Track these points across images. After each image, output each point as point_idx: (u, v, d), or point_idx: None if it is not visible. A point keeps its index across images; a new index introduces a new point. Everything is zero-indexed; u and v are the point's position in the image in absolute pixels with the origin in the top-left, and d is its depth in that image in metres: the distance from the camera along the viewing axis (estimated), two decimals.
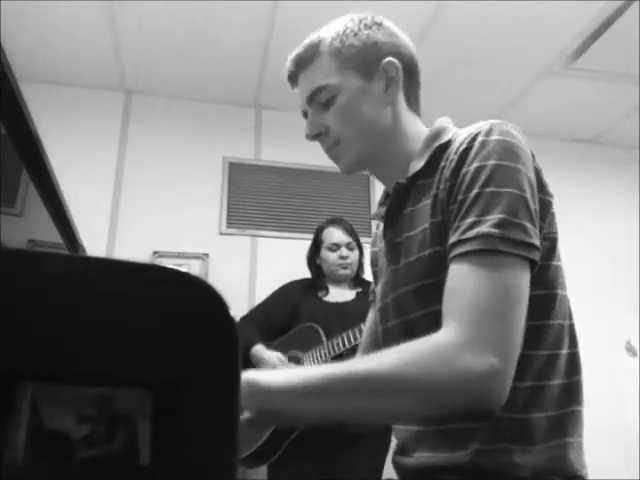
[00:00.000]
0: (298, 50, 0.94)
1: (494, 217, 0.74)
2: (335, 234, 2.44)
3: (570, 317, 0.87)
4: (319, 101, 0.92)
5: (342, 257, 2.39)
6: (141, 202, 2.95)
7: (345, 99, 0.90)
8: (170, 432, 0.36)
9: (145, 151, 3.05)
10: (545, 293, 0.82)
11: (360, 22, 0.93)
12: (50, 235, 0.82)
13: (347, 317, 2.21)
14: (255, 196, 3.11)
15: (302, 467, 2.09)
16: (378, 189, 3.20)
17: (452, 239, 0.77)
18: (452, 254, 0.76)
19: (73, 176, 2.54)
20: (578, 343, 0.86)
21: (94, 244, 2.34)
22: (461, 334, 0.69)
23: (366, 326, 1.12)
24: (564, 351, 0.83)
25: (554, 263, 0.84)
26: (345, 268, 2.40)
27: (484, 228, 0.74)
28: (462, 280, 0.73)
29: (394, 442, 0.95)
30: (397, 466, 0.93)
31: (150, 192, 2.97)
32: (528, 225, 0.75)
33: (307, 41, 0.94)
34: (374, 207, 3.20)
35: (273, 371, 0.78)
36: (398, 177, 0.92)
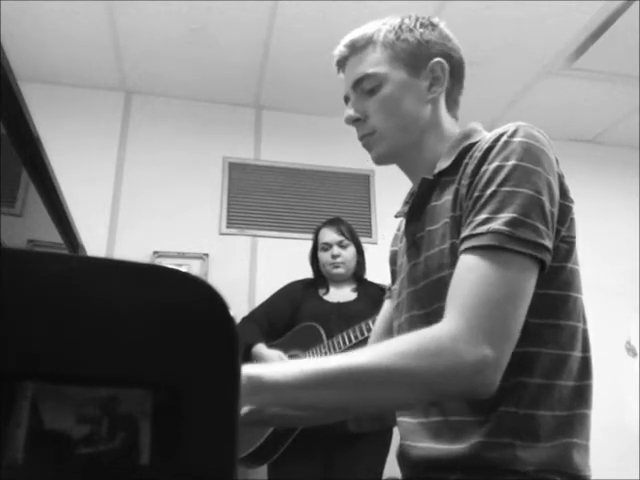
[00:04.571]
0: (353, 36, 0.95)
1: (506, 215, 0.75)
2: (326, 234, 2.45)
3: (584, 321, 0.87)
4: (364, 88, 0.93)
5: (333, 256, 2.40)
6: (141, 202, 2.95)
7: (389, 90, 0.92)
8: (170, 432, 0.35)
9: (145, 151, 3.05)
10: (559, 294, 0.83)
11: (417, 20, 0.95)
12: (50, 235, 0.82)
13: (348, 317, 2.21)
14: (255, 196, 3.11)
15: (302, 467, 2.09)
16: (378, 189, 3.20)
17: (464, 233, 0.79)
18: (462, 247, 0.78)
19: (73, 176, 2.54)
20: (590, 348, 0.86)
21: (94, 244, 2.34)
22: (460, 324, 0.71)
23: (377, 323, 1.12)
24: (576, 353, 0.83)
25: (570, 265, 0.85)
26: (337, 267, 2.40)
27: (495, 225, 0.75)
28: (467, 272, 0.75)
29: (395, 442, 0.95)
30: (401, 459, 0.93)
31: (150, 192, 2.97)
32: (540, 226, 0.76)
33: (363, 29, 0.95)
34: (374, 207, 3.19)
35: (271, 365, 0.77)
36: (426, 175, 0.93)
